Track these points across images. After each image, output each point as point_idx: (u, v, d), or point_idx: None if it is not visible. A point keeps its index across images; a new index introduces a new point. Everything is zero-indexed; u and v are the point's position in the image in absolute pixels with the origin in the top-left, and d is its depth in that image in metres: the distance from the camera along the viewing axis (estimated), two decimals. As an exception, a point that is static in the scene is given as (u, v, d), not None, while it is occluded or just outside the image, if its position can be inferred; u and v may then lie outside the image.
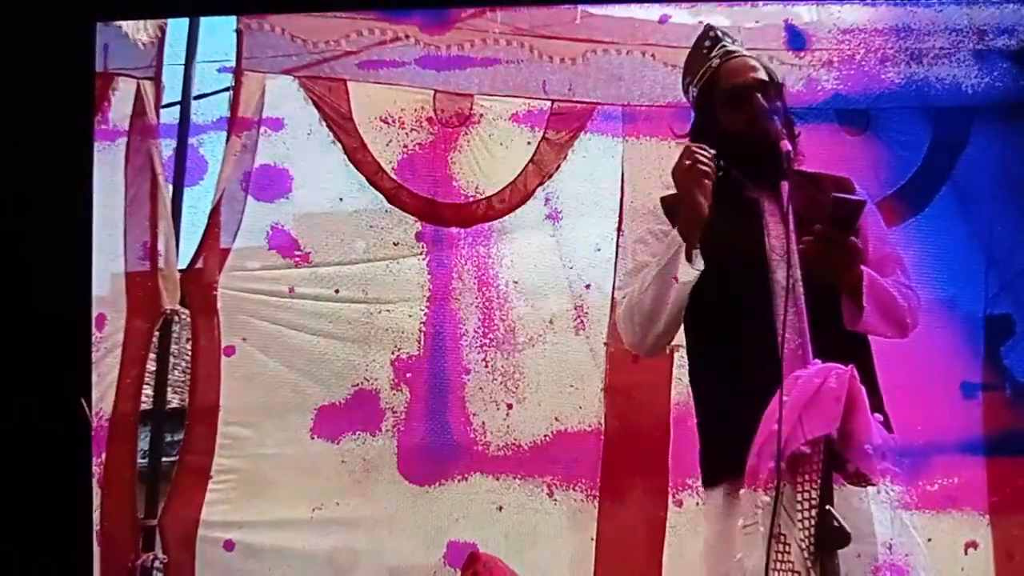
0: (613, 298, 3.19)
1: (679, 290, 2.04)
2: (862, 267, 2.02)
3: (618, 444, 3.22)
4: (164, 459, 3.30)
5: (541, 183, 3.32)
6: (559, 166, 3.32)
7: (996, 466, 3.07)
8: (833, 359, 1.84)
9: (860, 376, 1.87)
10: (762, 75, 2.16)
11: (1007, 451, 3.04)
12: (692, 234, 2.04)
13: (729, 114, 2.14)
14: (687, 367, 2.27)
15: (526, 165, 3.31)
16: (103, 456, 3.00)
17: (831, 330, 2.00)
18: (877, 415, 1.82)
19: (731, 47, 2.20)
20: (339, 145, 3.26)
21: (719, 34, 2.22)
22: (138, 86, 3.16)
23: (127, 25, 3.03)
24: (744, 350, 2.00)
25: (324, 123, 3.27)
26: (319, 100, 3.27)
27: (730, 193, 2.14)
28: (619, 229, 3.30)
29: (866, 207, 2.04)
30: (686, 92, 2.28)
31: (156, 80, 3.20)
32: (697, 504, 3.09)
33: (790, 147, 2.00)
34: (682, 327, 2.14)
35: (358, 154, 3.26)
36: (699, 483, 2.15)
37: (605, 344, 3.27)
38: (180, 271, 3.21)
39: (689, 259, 2.03)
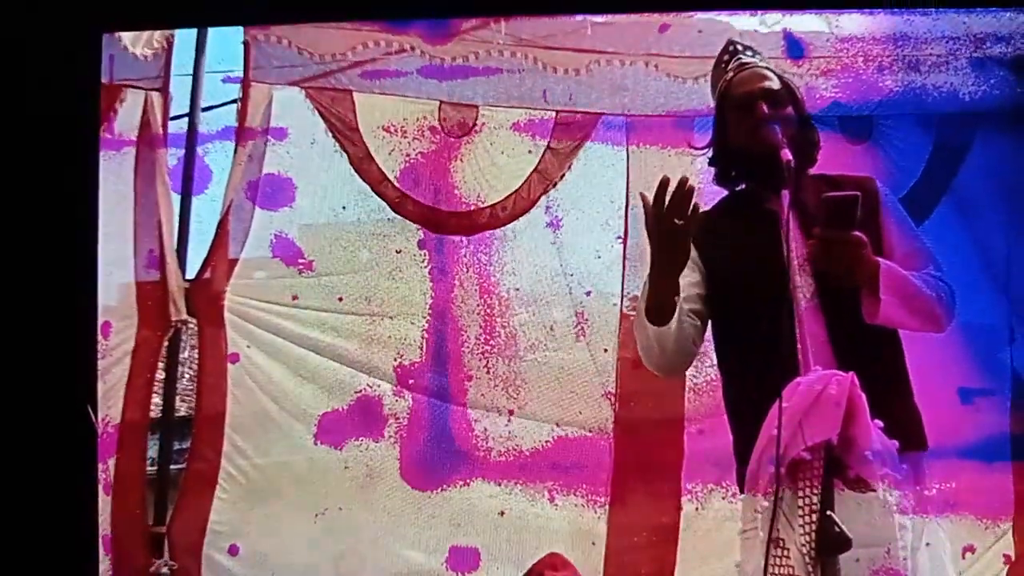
0: (621, 310, 3.23)
1: (656, 334, 1.98)
2: (879, 259, 1.97)
3: (630, 450, 3.23)
4: (172, 466, 3.32)
5: (545, 192, 3.31)
6: (563, 175, 3.32)
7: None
8: (859, 364, 1.85)
9: (890, 380, 1.91)
10: (771, 84, 2.12)
11: (1006, 456, 3.06)
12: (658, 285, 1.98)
13: (735, 124, 2.13)
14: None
15: (530, 174, 3.31)
16: (109, 462, 3.02)
17: (856, 334, 1.97)
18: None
19: (746, 59, 2.16)
20: (344, 155, 3.27)
21: (737, 48, 2.19)
22: (146, 97, 3.16)
23: (127, 38, 3.00)
24: (768, 363, 1.96)
25: (330, 133, 3.27)
26: (325, 111, 3.28)
27: (748, 207, 2.14)
28: (625, 237, 3.31)
29: (884, 198, 2.04)
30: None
31: (163, 92, 3.20)
32: (697, 510, 3.14)
33: (790, 156, 1.97)
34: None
35: (364, 164, 3.26)
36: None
37: (605, 350, 3.29)
38: (188, 281, 3.22)
39: (650, 314, 1.98)
